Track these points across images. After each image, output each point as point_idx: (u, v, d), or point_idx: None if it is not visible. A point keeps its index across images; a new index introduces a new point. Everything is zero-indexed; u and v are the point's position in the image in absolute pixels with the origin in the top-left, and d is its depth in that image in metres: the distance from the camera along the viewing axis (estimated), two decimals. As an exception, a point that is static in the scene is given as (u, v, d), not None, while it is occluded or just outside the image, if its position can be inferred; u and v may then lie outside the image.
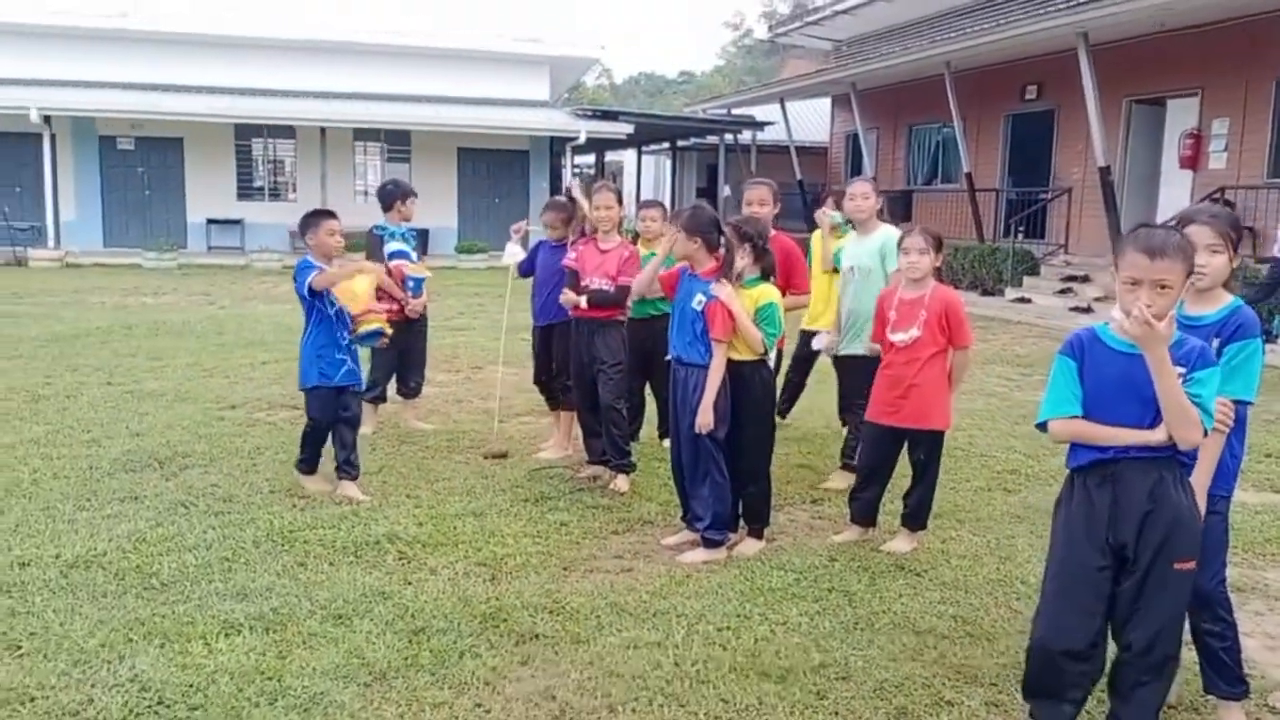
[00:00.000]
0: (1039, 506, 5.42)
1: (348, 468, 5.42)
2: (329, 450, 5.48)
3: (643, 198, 26.61)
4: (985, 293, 17.34)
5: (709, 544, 4.58)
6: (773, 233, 5.37)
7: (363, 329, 5.46)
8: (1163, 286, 2.64)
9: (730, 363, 4.58)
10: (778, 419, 6.46)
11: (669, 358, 4.80)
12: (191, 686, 3.21)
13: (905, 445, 4.86)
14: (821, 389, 7.16)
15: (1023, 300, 16.10)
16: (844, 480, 5.62)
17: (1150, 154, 16.79)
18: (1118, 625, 2.84)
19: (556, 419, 6.44)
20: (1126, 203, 16.01)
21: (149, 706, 3.10)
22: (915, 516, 4.84)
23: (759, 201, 5.73)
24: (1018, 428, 7.36)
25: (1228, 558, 3.26)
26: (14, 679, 3.23)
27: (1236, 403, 2.99)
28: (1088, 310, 14.55)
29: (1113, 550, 2.80)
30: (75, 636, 3.55)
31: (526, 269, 6.35)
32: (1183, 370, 2.65)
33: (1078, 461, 2.86)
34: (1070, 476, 2.91)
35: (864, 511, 4.91)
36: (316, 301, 5.31)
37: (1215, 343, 2.94)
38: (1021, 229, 17.90)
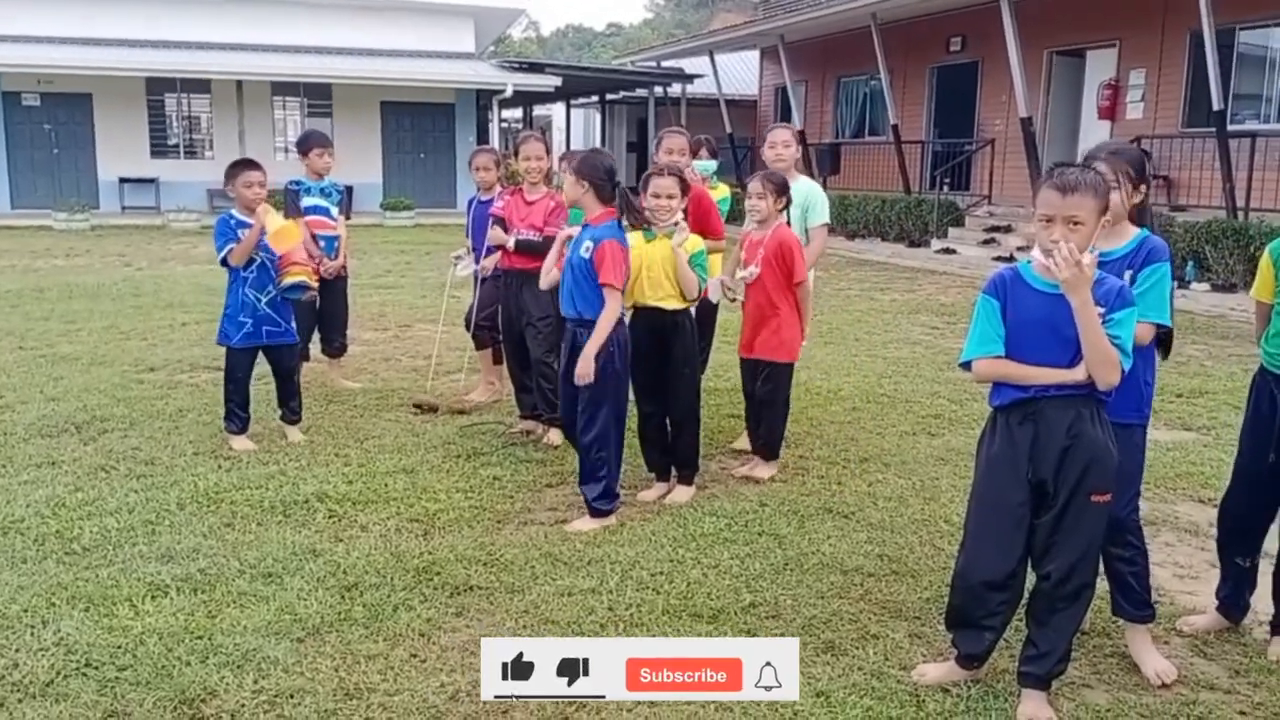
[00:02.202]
0: (962, 449, 5.55)
1: (287, 414, 5.66)
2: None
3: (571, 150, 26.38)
4: (912, 244, 17.61)
5: (596, 514, 4.40)
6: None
7: (286, 280, 5.37)
8: (1075, 223, 2.70)
9: (661, 311, 4.61)
10: None
11: (565, 320, 4.54)
12: (119, 648, 3.16)
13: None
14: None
15: (947, 251, 16.38)
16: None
17: (1070, 105, 17.11)
18: (1036, 556, 2.94)
19: (483, 359, 6.46)
20: (1047, 153, 16.32)
21: (76, 669, 3.04)
22: (767, 444, 5.12)
23: (678, 150, 5.66)
24: (941, 374, 7.51)
25: (1141, 488, 3.37)
26: (-69, 647, 3.15)
27: (1156, 326, 3.05)
28: (1010, 259, 14.85)
29: (1032, 486, 2.88)
30: (-6, 603, 3.46)
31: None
32: (1102, 310, 2.72)
33: (1000, 400, 2.93)
34: (992, 415, 2.98)
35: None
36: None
37: (1128, 275, 3.02)
38: (947, 181, 18.17)
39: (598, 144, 32.07)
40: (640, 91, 28.34)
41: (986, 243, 16.08)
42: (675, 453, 4.82)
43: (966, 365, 2.97)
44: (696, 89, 26.80)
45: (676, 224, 4.61)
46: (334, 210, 6.73)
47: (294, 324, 5.60)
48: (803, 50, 22.38)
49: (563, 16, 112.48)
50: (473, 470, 5.09)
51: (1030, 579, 2.99)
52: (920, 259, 15.65)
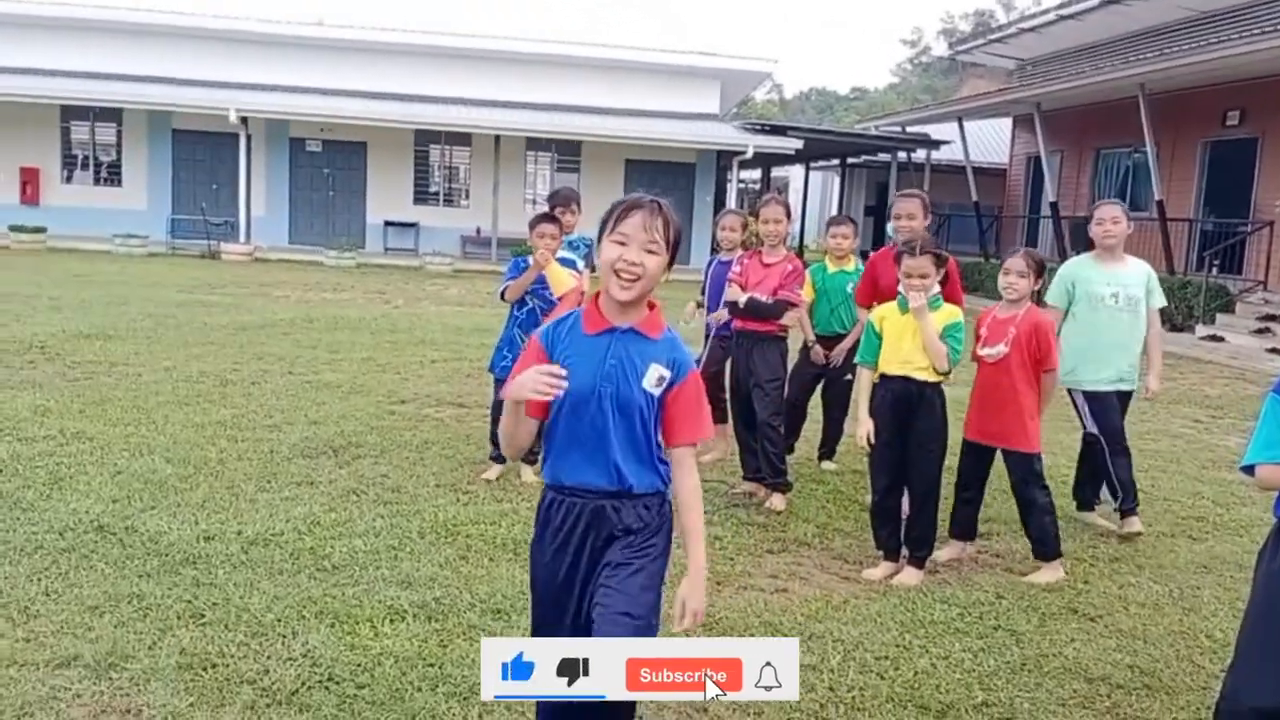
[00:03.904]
0: (1227, 558, 5.07)
1: (526, 455, 5.71)
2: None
3: (819, 215, 26.37)
4: (1174, 329, 16.35)
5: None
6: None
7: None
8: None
9: (908, 380, 4.49)
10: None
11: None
12: (359, 666, 3.33)
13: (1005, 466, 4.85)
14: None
15: (1214, 339, 15.11)
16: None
17: (1366, 187, 15.53)
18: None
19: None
20: (1335, 238, 14.86)
21: (319, 681, 3.23)
22: (1040, 546, 4.76)
23: (907, 215, 5.41)
24: (1205, 472, 6.90)
25: None
26: (197, 645, 3.42)
27: None
28: (1286, 352, 13.54)
29: (1320, 609, 2.57)
30: (254, 610, 3.73)
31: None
32: None
33: (1287, 511, 2.64)
34: (1277, 526, 2.70)
35: (965, 526, 4.94)
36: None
37: None
38: (1216, 262, 16.82)
39: (835, 208, 31.93)
40: (883, 156, 28.03)
41: (1260, 332, 14.73)
42: (910, 531, 4.64)
43: (1249, 469, 2.69)
44: (941, 155, 26.23)
45: (935, 295, 4.49)
46: (579, 263, 6.97)
47: None
48: (1059, 119, 21.46)
49: (806, 80, 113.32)
50: (696, 528, 5.08)
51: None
52: (1183, 345, 14.51)
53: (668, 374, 2.41)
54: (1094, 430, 5.49)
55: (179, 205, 24.07)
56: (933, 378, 4.49)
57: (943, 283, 4.58)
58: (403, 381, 8.58)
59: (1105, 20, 21.04)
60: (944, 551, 4.86)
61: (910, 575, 4.55)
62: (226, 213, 23.32)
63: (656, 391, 2.41)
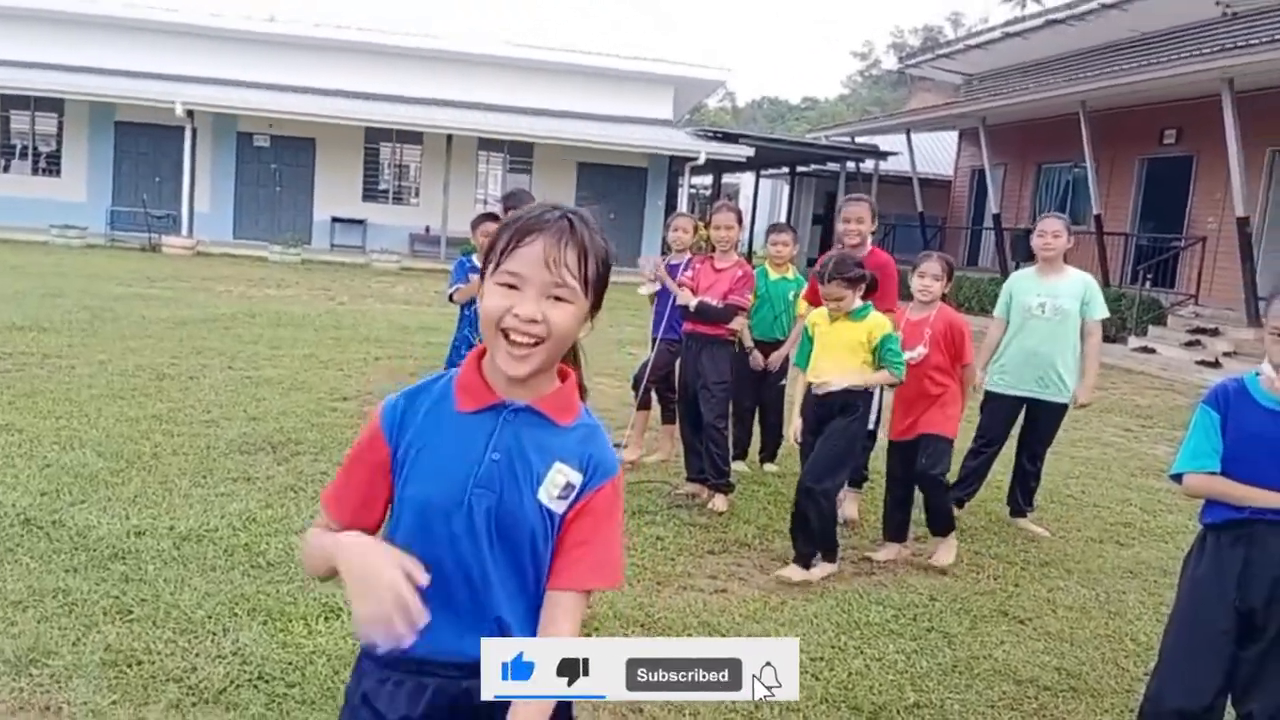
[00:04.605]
0: (1153, 563, 5.19)
1: None
2: None
3: (768, 222, 26.55)
4: (1108, 339, 16.64)
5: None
6: (869, 248, 5.49)
7: None
8: (1311, 338, 2.50)
9: (839, 390, 4.55)
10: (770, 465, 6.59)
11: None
12: (290, 664, 3.29)
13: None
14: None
15: (1146, 350, 15.48)
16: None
17: (1294, 206, 16.01)
18: (1238, 692, 2.70)
19: (639, 420, 6.54)
20: (1264, 255, 15.30)
21: (249, 679, 3.18)
22: (938, 520, 4.94)
23: (856, 219, 5.46)
24: (1134, 480, 7.07)
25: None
26: (123, 642, 3.36)
27: None
28: (1215, 365, 13.90)
29: (1240, 614, 2.65)
30: (184, 606, 3.67)
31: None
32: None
33: (1212, 518, 2.73)
34: (1202, 533, 2.78)
35: (900, 528, 5.03)
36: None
37: None
38: (1150, 276, 17.24)
39: (785, 216, 32.16)
40: (832, 166, 28.31)
41: (1190, 344, 15.11)
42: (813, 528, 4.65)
43: (1178, 477, 2.78)
44: (889, 166, 26.55)
45: (861, 306, 4.58)
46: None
47: None
48: (1003, 133, 21.85)
49: (759, 88, 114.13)
50: (636, 529, 5.09)
51: (1229, 717, 2.74)
52: (1116, 355, 14.84)
53: (577, 480, 1.55)
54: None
55: (120, 197, 23.55)
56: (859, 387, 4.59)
57: (870, 289, 4.63)
58: (345, 378, 8.49)
59: (1049, 39, 21.49)
60: (881, 553, 4.94)
61: (823, 569, 4.61)
62: (169, 206, 22.90)
63: (559, 507, 1.55)
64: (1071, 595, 4.68)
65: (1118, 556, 5.34)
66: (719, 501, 5.55)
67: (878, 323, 4.57)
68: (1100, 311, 5.64)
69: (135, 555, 4.13)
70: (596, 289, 1.57)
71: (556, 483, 1.54)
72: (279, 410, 7.01)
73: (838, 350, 4.56)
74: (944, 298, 5.06)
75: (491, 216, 5.77)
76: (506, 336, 1.50)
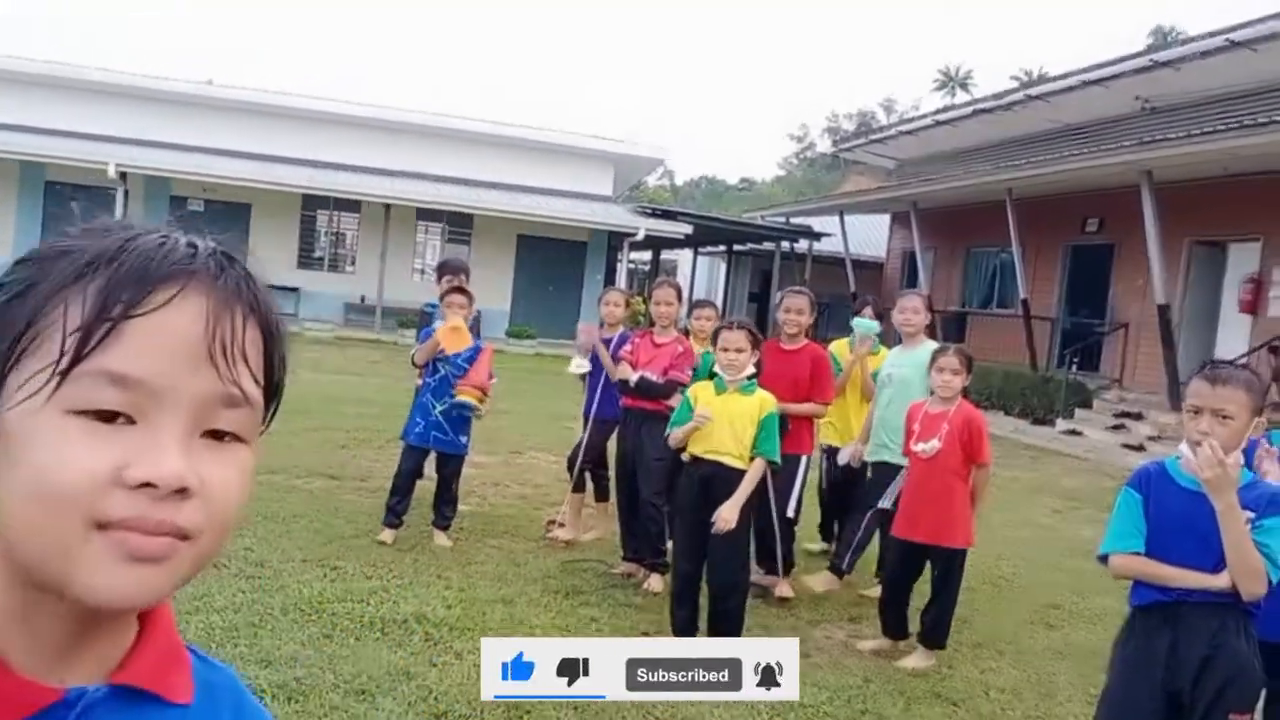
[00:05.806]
0: (1083, 645, 5.25)
1: (438, 518, 5.99)
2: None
3: (695, 298, 26.84)
4: (1036, 421, 17.10)
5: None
6: (804, 341, 5.61)
7: (458, 397, 5.83)
8: (1224, 416, 2.58)
9: (719, 465, 4.53)
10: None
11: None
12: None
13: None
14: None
15: (1073, 433, 15.84)
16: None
17: (1210, 295, 16.64)
18: (1168, 775, 2.70)
19: (573, 502, 6.42)
20: (1184, 342, 15.83)
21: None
22: (932, 634, 4.76)
23: (796, 310, 5.68)
24: (1064, 561, 7.17)
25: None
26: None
27: None
28: (1139, 448, 14.26)
29: (1167, 694, 2.68)
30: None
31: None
32: (1251, 515, 2.57)
33: (1139, 600, 2.77)
34: (1131, 615, 2.83)
35: (896, 626, 4.88)
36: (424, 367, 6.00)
37: None
38: (1076, 360, 17.74)
39: (721, 293, 32.60)
40: (767, 245, 28.83)
41: (1116, 428, 15.50)
42: (715, 625, 4.59)
43: (1104, 559, 2.82)
44: (823, 247, 27.11)
45: (750, 378, 4.58)
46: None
47: (464, 438, 5.98)
48: (934, 217, 22.50)
49: (697, 167, 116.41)
50: (570, 609, 5.02)
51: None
52: (1044, 438, 15.18)
53: None
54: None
55: (46, 258, 23.01)
56: (741, 465, 4.51)
57: (759, 367, 4.68)
58: (272, 451, 8.29)
59: (976, 128, 22.31)
60: (869, 644, 4.91)
61: None
62: (97, 269, 22.37)
63: None
64: (1004, 677, 4.70)
65: (1048, 638, 5.39)
66: (654, 582, 5.50)
67: (766, 399, 4.58)
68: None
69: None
70: (273, 375, 0.82)
71: None
72: (205, 481, 6.81)
73: (740, 420, 4.51)
74: (965, 393, 4.87)
75: (461, 289, 5.92)
76: (107, 529, 0.64)
